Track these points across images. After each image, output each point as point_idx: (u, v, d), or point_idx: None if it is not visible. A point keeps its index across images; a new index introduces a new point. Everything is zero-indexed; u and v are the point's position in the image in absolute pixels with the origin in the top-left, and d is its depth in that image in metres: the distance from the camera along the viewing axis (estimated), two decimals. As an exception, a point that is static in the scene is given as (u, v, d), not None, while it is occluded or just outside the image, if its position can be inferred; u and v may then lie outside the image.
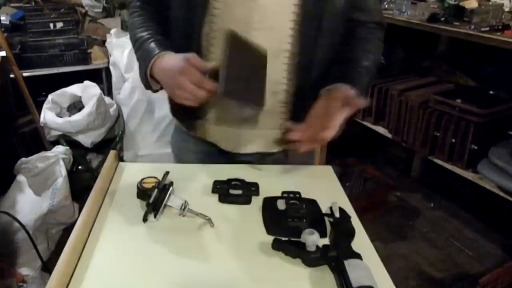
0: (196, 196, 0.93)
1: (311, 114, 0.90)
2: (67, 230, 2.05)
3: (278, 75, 0.95)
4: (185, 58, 0.85)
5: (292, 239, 0.79)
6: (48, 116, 2.39)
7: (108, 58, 2.76)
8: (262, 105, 0.93)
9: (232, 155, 1.08)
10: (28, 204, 1.90)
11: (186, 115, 1.08)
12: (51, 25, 2.87)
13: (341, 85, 0.91)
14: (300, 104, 0.98)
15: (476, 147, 1.79)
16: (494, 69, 2.20)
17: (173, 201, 0.86)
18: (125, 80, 2.56)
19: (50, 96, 2.47)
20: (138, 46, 0.97)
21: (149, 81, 0.95)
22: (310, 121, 0.89)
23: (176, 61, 0.87)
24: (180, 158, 1.19)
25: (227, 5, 0.90)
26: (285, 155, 1.08)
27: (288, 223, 0.83)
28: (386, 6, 2.26)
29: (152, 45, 0.94)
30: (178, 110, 1.10)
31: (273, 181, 1.01)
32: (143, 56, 0.95)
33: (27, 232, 1.73)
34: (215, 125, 1.04)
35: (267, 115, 1.00)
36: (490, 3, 1.85)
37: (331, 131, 0.86)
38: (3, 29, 2.52)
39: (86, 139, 2.47)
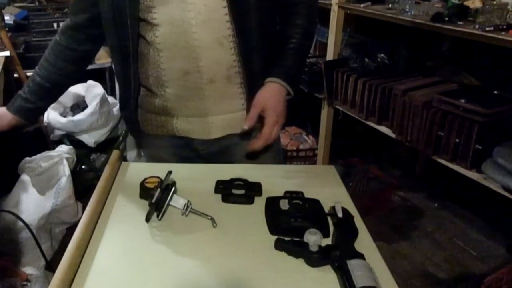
0: (198, 196, 0.93)
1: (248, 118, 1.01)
2: (71, 229, 2.05)
3: (228, 60, 1.02)
4: None
5: (295, 239, 0.79)
6: (51, 115, 2.40)
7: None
8: None
9: (205, 143, 1.12)
10: (32, 203, 1.91)
11: (150, 119, 1.14)
12: (55, 24, 2.87)
13: (273, 82, 1.03)
14: (253, 83, 1.04)
15: (480, 147, 1.78)
16: (498, 69, 2.19)
17: (176, 201, 0.87)
18: (128, 80, 2.56)
19: (53, 96, 2.47)
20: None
21: None
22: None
23: None
24: (154, 159, 1.21)
25: (165, 12, 0.96)
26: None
27: (291, 223, 0.83)
28: (390, 5, 2.25)
29: (18, 95, 1.21)
30: (143, 116, 1.15)
31: (275, 181, 1.01)
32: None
33: (30, 231, 1.73)
34: (182, 118, 1.09)
35: (229, 99, 1.07)
36: (494, 2, 1.84)
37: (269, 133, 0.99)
38: (7, 29, 2.52)
39: (90, 139, 2.48)
